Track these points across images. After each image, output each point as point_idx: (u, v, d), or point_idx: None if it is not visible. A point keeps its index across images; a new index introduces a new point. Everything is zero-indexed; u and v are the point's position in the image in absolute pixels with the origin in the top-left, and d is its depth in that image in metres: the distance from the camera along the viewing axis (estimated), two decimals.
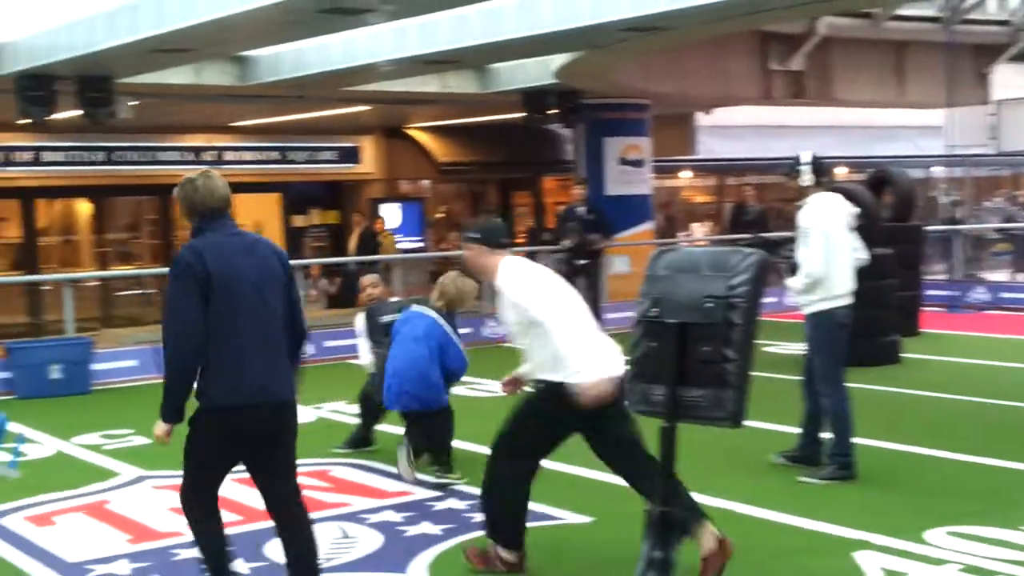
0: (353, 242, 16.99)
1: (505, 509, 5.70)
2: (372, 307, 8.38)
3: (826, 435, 7.45)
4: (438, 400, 7.53)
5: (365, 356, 8.33)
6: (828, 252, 7.24)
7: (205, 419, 4.73)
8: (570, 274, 14.41)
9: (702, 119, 22.70)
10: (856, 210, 7.67)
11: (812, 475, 7.32)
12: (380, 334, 7.98)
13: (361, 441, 8.56)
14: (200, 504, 4.93)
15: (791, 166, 7.62)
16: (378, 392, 7.76)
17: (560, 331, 5.28)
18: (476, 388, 11.12)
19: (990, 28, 18.51)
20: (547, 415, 5.60)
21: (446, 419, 7.64)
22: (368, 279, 8.59)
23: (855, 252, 7.55)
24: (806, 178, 7.53)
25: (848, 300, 7.35)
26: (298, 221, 21.98)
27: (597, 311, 14.34)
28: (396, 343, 7.54)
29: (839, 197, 7.62)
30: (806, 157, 7.61)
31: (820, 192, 7.53)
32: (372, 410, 8.34)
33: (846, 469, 7.29)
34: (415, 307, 7.71)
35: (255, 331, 4.68)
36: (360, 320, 8.46)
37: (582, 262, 14.47)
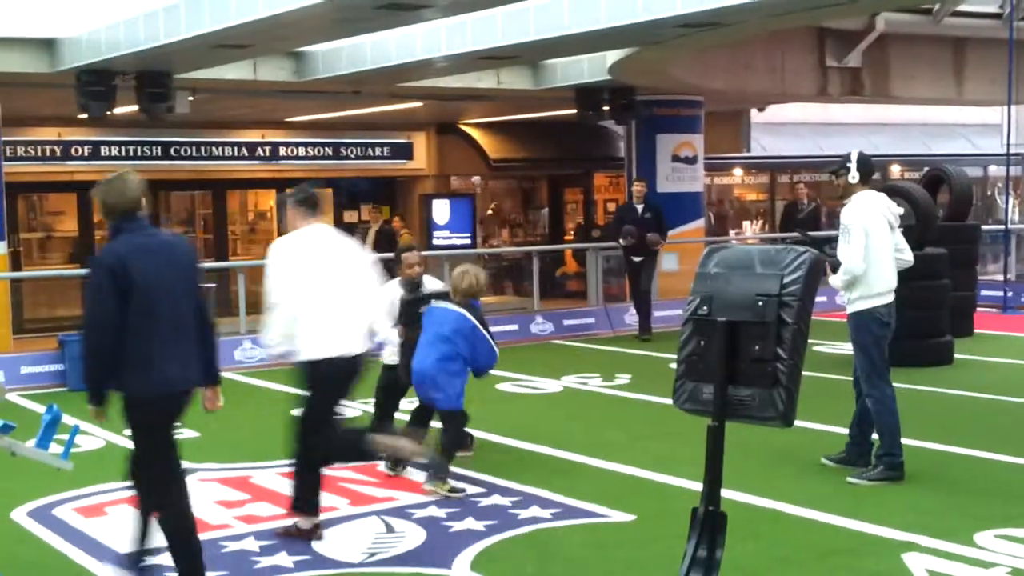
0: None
1: (314, 482, 6.32)
2: (411, 283, 8.17)
3: (875, 436, 7.38)
4: (455, 404, 7.46)
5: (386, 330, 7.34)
6: (868, 250, 7.20)
7: (130, 407, 5.16)
8: (626, 272, 14.48)
9: (755, 116, 22.52)
10: (900, 210, 7.60)
11: (860, 476, 7.27)
12: (414, 316, 7.73)
13: None
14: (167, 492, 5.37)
15: (839, 164, 7.60)
16: (405, 372, 7.70)
17: (276, 309, 6.17)
18: (524, 385, 11.13)
19: None
20: (312, 387, 6.35)
21: (459, 422, 7.57)
22: (412, 256, 8.33)
23: (899, 252, 7.50)
24: (853, 176, 7.49)
25: (889, 299, 7.30)
26: (350, 216, 22.09)
27: (648, 309, 14.31)
28: (424, 339, 7.46)
29: (883, 196, 7.57)
30: (854, 155, 7.58)
31: (865, 190, 7.49)
32: (389, 404, 8.19)
33: (894, 470, 7.23)
34: (440, 303, 7.59)
35: (169, 325, 5.08)
36: (395, 289, 8.10)
37: (638, 259, 14.39)
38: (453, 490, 7.10)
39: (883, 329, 7.30)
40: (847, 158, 7.57)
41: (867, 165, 7.56)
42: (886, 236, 7.37)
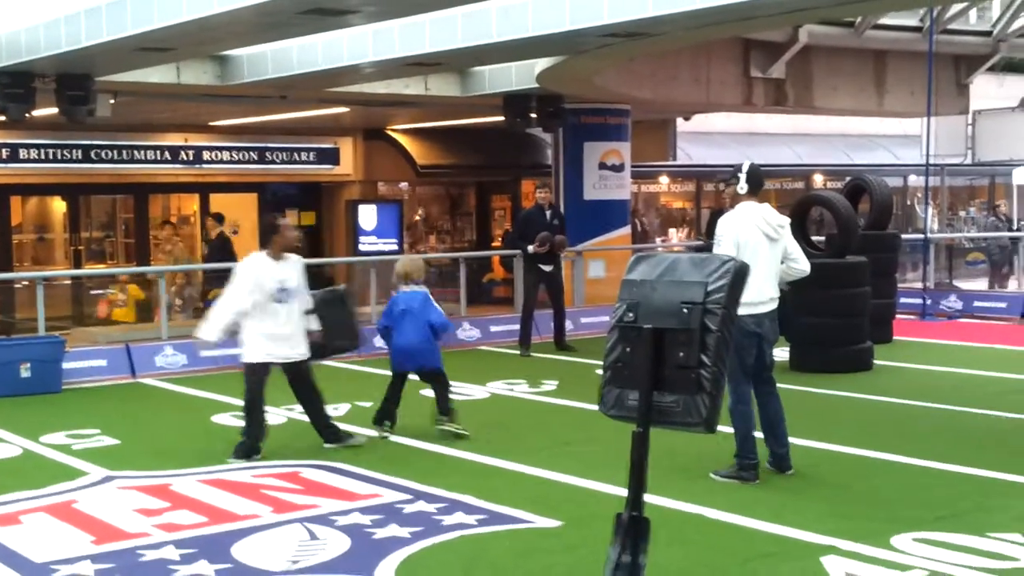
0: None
1: None
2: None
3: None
4: (439, 364, 9.10)
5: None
6: None
7: None
8: (536, 280, 13.88)
9: (681, 125, 22.75)
10: (784, 221, 7.69)
11: (717, 472, 7.49)
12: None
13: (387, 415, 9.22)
14: None
15: (731, 174, 7.75)
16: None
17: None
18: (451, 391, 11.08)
19: (970, 39, 18.59)
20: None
21: (445, 376, 9.16)
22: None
23: (792, 262, 7.65)
24: (741, 187, 7.65)
25: (759, 309, 7.37)
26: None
27: (562, 315, 14.08)
28: (401, 320, 8.95)
29: (765, 208, 7.68)
30: (745, 166, 7.74)
31: (750, 201, 7.61)
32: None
33: (745, 471, 7.42)
34: (402, 289, 9.09)
35: None
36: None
37: (548, 268, 13.87)
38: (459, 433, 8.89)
39: (748, 338, 7.40)
40: (738, 168, 7.71)
41: (756, 177, 7.71)
42: (761, 248, 7.47)
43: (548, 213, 13.93)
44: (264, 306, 8.30)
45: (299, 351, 8.52)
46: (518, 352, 13.68)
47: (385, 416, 9.18)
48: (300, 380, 8.63)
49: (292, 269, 8.52)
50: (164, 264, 18.27)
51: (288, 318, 8.42)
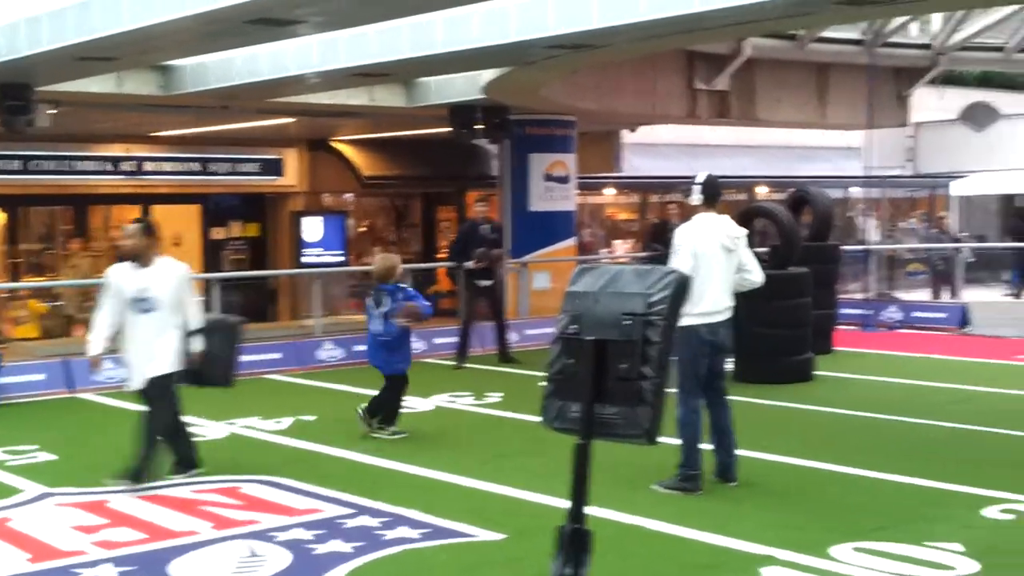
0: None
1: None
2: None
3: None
4: (399, 368, 9.56)
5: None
6: (696, 271, 7.32)
7: None
8: (475, 295, 13.78)
9: (627, 136, 22.85)
10: (740, 232, 7.78)
11: (659, 483, 7.53)
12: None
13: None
14: None
15: (690, 185, 7.86)
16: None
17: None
18: None
19: (910, 52, 18.83)
20: None
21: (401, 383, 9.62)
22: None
23: (746, 273, 7.74)
24: (696, 198, 7.77)
25: (713, 319, 7.48)
26: (218, 233, 21.72)
27: (503, 328, 13.97)
28: (371, 321, 9.50)
29: (724, 219, 7.79)
30: (700, 178, 7.84)
31: (707, 212, 7.72)
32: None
33: (687, 482, 7.47)
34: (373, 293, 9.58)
35: None
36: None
37: (487, 283, 13.74)
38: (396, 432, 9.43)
39: (703, 347, 7.48)
40: (695, 179, 7.83)
41: (711, 188, 7.81)
42: (717, 258, 7.57)
43: (486, 228, 13.80)
44: (126, 315, 7.79)
45: (155, 367, 7.77)
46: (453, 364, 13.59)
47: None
48: (153, 397, 7.83)
49: (156, 277, 7.80)
50: (71, 278, 17.97)
51: (145, 329, 7.76)
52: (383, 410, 9.59)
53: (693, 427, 7.48)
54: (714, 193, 7.81)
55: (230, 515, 7.09)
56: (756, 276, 7.82)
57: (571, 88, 15.66)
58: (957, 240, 23.35)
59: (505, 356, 13.90)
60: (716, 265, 7.51)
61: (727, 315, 7.63)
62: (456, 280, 14.34)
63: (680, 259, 7.48)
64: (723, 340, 7.63)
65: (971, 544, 6.17)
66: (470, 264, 13.61)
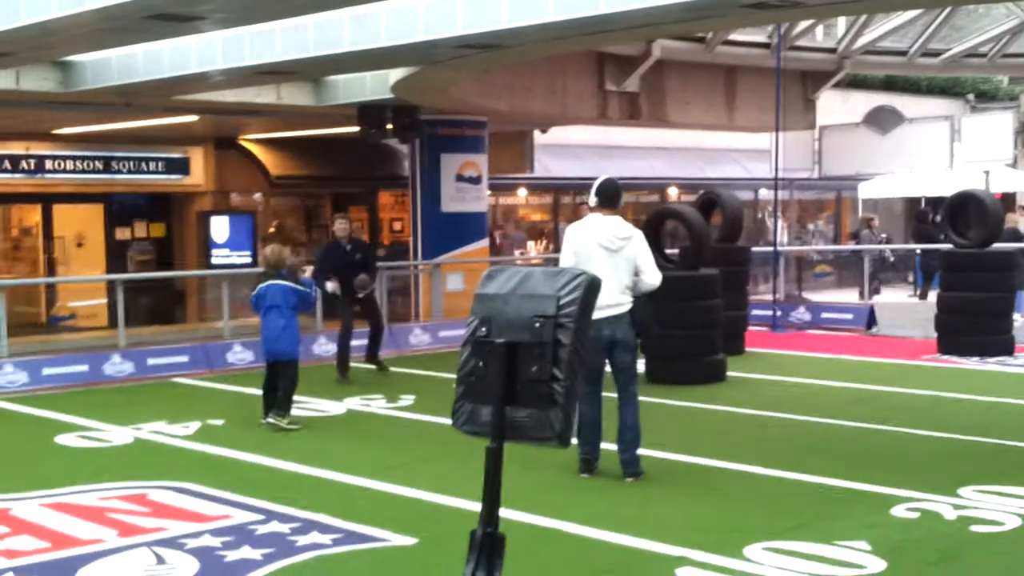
0: None
1: None
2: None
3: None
4: (293, 353, 10.06)
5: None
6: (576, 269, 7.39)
7: None
8: (350, 305, 12.78)
9: (539, 137, 22.89)
10: (625, 233, 7.87)
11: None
12: None
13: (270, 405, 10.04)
14: None
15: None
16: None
17: None
18: (307, 407, 10.90)
19: (816, 55, 19.16)
20: None
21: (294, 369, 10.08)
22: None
23: (642, 274, 7.87)
24: (592, 200, 7.99)
25: (597, 315, 7.46)
26: (122, 233, 21.29)
27: (379, 334, 13.32)
28: (268, 314, 9.95)
29: (612, 220, 7.90)
30: (597, 181, 8.05)
31: (597, 213, 7.91)
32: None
33: (580, 464, 7.85)
34: (266, 283, 10.02)
35: None
36: None
37: (360, 295, 12.75)
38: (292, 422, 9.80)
39: (591, 343, 7.53)
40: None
41: (607, 191, 7.99)
42: (596, 257, 7.73)
43: (348, 247, 12.71)
44: None
45: None
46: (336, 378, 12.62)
47: (271, 406, 9.88)
48: None
49: None
50: None
51: None
52: (288, 399, 9.95)
53: (582, 414, 7.63)
54: (610, 196, 7.98)
55: (137, 522, 6.91)
56: (649, 278, 7.93)
57: (482, 88, 15.63)
58: (889, 241, 23.82)
59: (373, 360, 13.18)
60: (597, 263, 7.64)
61: (616, 311, 7.73)
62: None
63: (563, 257, 7.84)
64: (616, 336, 7.73)
65: (878, 542, 6.25)
66: (330, 287, 12.41)
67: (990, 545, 6.30)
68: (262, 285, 10.05)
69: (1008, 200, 21.42)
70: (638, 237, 7.97)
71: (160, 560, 6.15)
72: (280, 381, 9.94)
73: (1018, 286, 14.74)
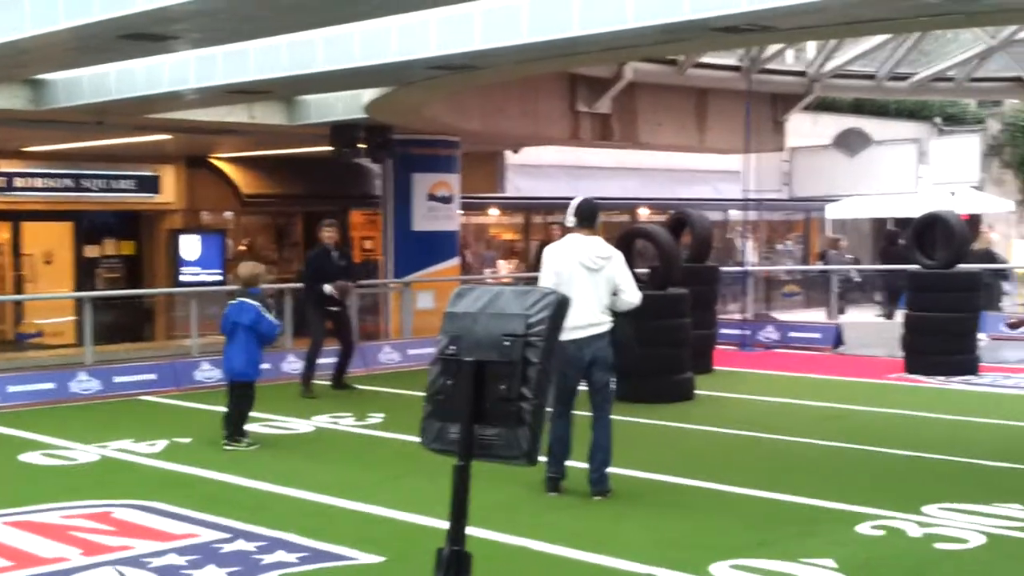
0: None
1: None
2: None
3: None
4: (257, 373, 9.98)
5: None
6: (558, 288, 7.40)
7: None
8: (323, 320, 12.90)
9: (511, 157, 22.96)
10: (606, 253, 7.93)
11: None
12: None
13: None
14: None
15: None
16: None
17: None
18: (274, 425, 10.88)
19: (786, 78, 19.33)
20: None
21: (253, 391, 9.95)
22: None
23: (621, 293, 7.93)
24: (569, 220, 8.04)
25: (576, 335, 7.66)
26: (92, 251, 21.19)
27: (349, 355, 13.33)
28: (233, 333, 9.83)
29: (592, 240, 7.95)
30: (575, 201, 8.07)
31: (577, 233, 7.96)
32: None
33: (547, 482, 7.86)
34: (233, 300, 9.96)
35: None
36: None
37: (335, 308, 12.93)
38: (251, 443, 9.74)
39: (568, 363, 7.66)
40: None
41: (584, 211, 8.03)
42: (578, 277, 7.78)
43: (335, 255, 13.00)
44: None
45: None
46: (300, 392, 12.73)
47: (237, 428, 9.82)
48: None
49: None
50: None
51: None
52: (242, 420, 9.90)
53: (551, 433, 7.68)
54: (588, 216, 8.03)
55: (101, 541, 6.87)
56: (629, 297, 7.99)
57: (455, 109, 15.68)
58: (857, 261, 23.96)
59: (339, 383, 13.16)
60: (578, 283, 7.68)
61: (596, 331, 7.79)
62: (305, 307, 13.65)
63: (543, 278, 7.85)
64: (595, 356, 7.78)
65: (844, 560, 6.29)
66: (328, 288, 12.64)
67: (955, 563, 6.35)
68: (232, 303, 9.97)
69: (974, 222, 21.62)
70: (617, 257, 8.03)
71: None
72: (237, 402, 9.84)
73: (983, 306, 14.90)
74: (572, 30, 9.98)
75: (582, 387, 7.96)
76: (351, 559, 6.49)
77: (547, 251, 8.09)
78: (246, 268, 10.27)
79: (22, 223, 20.07)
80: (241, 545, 6.73)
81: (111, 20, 8.60)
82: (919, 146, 24.45)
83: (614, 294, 7.94)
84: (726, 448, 9.89)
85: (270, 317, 9.90)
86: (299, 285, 14.23)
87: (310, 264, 13.25)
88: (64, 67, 12.37)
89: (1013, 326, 15.03)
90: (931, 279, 14.06)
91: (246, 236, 23.95)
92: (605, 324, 7.88)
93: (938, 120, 32.21)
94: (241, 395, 9.84)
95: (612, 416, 8.03)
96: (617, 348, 7.97)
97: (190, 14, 8.59)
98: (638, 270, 13.74)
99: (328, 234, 13.09)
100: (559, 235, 18.10)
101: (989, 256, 18.58)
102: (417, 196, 17.76)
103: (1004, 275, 19.56)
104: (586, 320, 7.73)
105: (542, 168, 25.14)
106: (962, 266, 14.27)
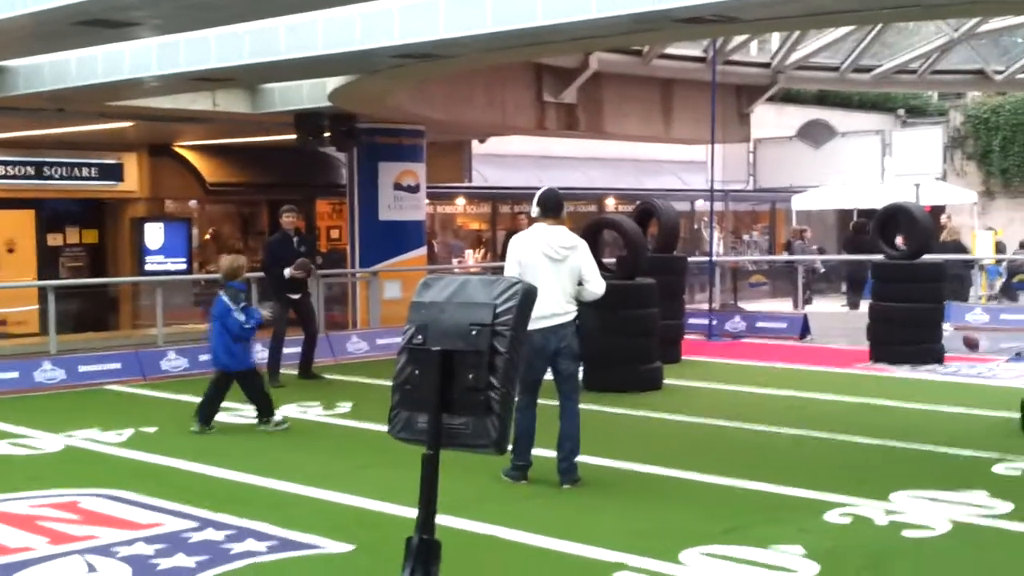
0: None
1: None
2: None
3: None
4: (240, 364, 9.91)
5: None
6: (522, 278, 7.43)
7: None
8: (285, 308, 12.87)
9: (477, 147, 22.92)
10: (569, 243, 7.94)
11: (503, 469, 7.89)
12: None
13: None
14: None
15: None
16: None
17: None
18: (241, 415, 10.82)
19: (751, 70, 19.40)
20: None
21: (251, 378, 10.07)
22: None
23: (586, 283, 7.95)
24: (533, 210, 8.09)
25: (541, 324, 7.65)
26: (54, 240, 20.98)
27: (312, 343, 13.28)
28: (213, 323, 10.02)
29: (556, 230, 7.96)
30: (539, 192, 8.13)
31: (541, 223, 7.98)
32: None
33: (515, 470, 7.89)
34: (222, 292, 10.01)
35: None
36: None
37: (296, 296, 12.94)
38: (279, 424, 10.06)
39: (534, 352, 7.67)
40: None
41: (548, 202, 8.07)
42: (541, 267, 7.78)
43: (295, 240, 12.98)
44: None
45: None
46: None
47: (206, 414, 9.96)
48: None
49: None
50: None
51: None
52: (264, 405, 10.13)
53: (519, 424, 7.69)
54: (551, 206, 8.06)
55: (68, 530, 6.81)
56: (593, 287, 8.00)
57: (421, 97, 15.62)
58: (822, 251, 24.11)
59: (307, 373, 13.14)
60: (542, 273, 7.68)
61: (561, 320, 7.80)
62: (267, 294, 13.42)
63: (507, 267, 7.91)
64: (561, 345, 7.79)
65: (812, 547, 6.33)
66: (289, 271, 12.62)
67: (921, 550, 6.40)
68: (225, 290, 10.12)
69: (936, 213, 21.82)
70: (582, 247, 8.04)
71: (92, 568, 6.07)
72: (218, 390, 10.01)
73: (951, 297, 15.00)
74: (536, 19, 9.95)
75: (548, 377, 7.97)
76: (320, 548, 6.46)
77: (512, 241, 8.12)
78: (226, 261, 10.36)
79: None
80: (210, 534, 6.69)
81: (68, 6, 8.51)
82: (883, 138, 24.70)
83: (579, 284, 7.95)
84: (695, 437, 9.93)
85: (237, 314, 9.81)
86: (260, 274, 14.09)
87: (269, 249, 13.28)
88: (23, 54, 12.24)
89: (969, 345, 15.15)
90: (896, 269, 14.16)
91: (211, 225, 23.81)
92: (571, 314, 7.89)
93: (901, 112, 32.47)
94: (243, 386, 10.03)
95: (581, 405, 8.04)
96: (582, 338, 7.98)
97: (145, 1, 8.52)
98: (605, 260, 13.82)
99: (288, 219, 13.06)
100: (527, 225, 18.32)
101: (959, 247, 18.74)
102: (383, 185, 17.70)
103: (971, 266, 19.79)
104: (550, 310, 7.74)
105: (509, 158, 25.14)
106: (926, 256, 14.38)
